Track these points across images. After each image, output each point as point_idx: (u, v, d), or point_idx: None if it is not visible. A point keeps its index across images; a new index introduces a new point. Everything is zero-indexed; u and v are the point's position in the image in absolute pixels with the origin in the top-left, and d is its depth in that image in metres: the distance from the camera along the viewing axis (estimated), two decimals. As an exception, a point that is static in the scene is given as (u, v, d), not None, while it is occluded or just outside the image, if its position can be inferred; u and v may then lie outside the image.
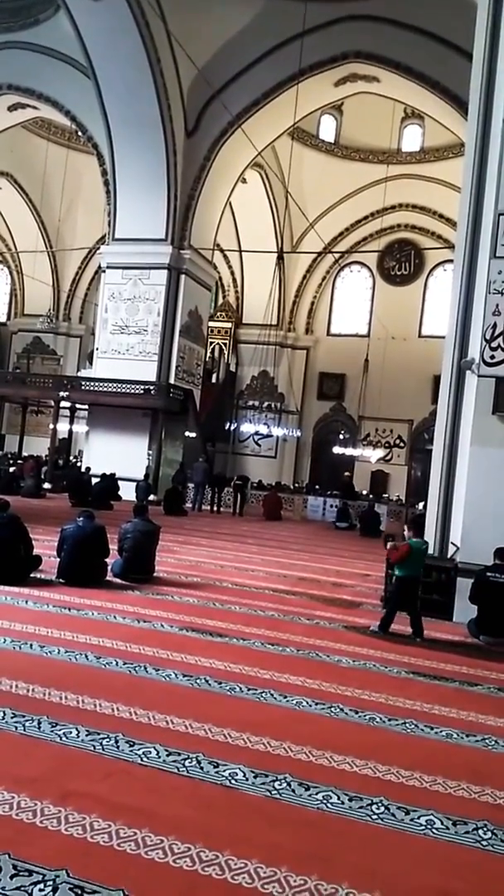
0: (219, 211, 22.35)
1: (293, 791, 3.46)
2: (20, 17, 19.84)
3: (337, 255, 27.37)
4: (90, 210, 26.60)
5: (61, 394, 21.65)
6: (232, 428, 26.27)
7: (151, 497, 18.32)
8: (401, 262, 28.42)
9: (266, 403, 27.48)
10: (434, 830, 3.21)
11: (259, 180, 24.96)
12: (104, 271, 21.61)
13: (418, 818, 3.31)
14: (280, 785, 3.50)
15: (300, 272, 28.50)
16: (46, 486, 19.21)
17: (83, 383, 21.63)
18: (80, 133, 22.20)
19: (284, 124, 21.13)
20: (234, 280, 29.04)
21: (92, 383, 21.17)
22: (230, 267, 28.55)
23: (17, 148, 25.76)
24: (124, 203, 20.59)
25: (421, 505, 17.30)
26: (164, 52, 18.21)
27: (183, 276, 21.08)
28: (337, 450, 27.45)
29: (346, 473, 20.83)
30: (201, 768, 3.60)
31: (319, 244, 26.22)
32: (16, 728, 3.84)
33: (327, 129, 25.91)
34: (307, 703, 4.74)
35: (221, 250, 25.31)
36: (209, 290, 23.92)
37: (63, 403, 22.55)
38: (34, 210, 28.00)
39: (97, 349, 21.96)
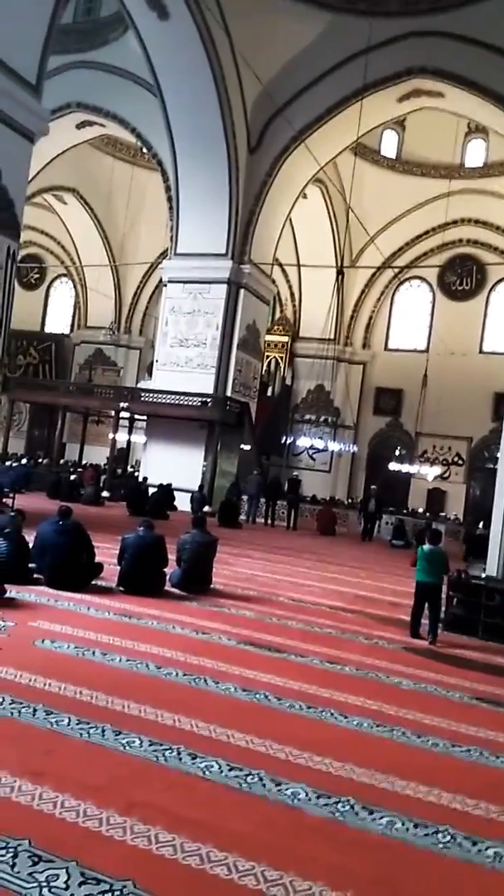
0: (279, 226, 22.49)
1: (357, 814, 3.40)
2: (91, 38, 20.46)
3: (396, 270, 27.18)
4: (152, 225, 27.13)
5: (121, 404, 22.02)
6: (287, 442, 26.23)
7: (206, 508, 18.42)
8: (462, 277, 28.05)
9: (323, 418, 27.39)
10: (502, 863, 3.11)
11: (319, 196, 25.02)
12: (165, 285, 21.95)
13: (486, 849, 3.21)
14: (343, 807, 3.45)
15: (359, 287, 28.41)
16: (105, 494, 19.50)
17: (143, 395, 21.97)
18: (144, 150, 22.70)
19: (347, 140, 21.19)
20: (292, 294, 29.13)
21: (151, 395, 21.48)
22: (288, 281, 28.66)
23: (83, 165, 26.47)
24: (186, 218, 20.92)
25: (481, 524, 16.90)
26: (229, 69, 18.49)
27: (242, 291, 21.24)
28: (393, 466, 27.11)
29: (373, 487, 20.78)
30: (263, 785, 3.57)
31: (379, 259, 26.12)
32: (80, 735, 3.88)
33: (389, 145, 25.85)
34: (368, 724, 4.66)
35: (280, 265, 25.43)
36: (267, 304, 24.04)
37: (123, 414, 22.93)
38: (99, 225, 28.70)
39: (157, 361, 22.28)
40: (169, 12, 17.19)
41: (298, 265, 26.50)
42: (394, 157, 25.81)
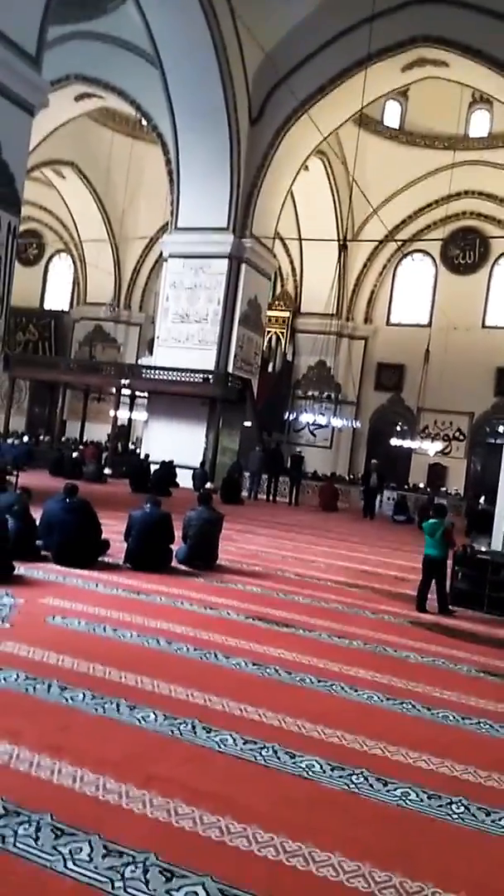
0: (281, 199, 22.25)
1: (371, 786, 3.44)
2: (88, 7, 19.97)
3: (399, 244, 26.93)
4: (152, 199, 26.83)
5: (122, 381, 21.95)
6: (288, 418, 26.19)
7: (208, 485, 18.44)
8: (465, 251, 27.83)
9: (325, 394, 27.33)
10: (517, 834, 3.15)
11: (321, 168, 24.70)
12: (166, 260, 21.77)
13: (500, 819, 3.26)
14: (358, 779, 3.49)
15: (361, 260, 28.17)
16: (107, 471, 19.52)
17: (144, 371, 21.89)
18: (144, 122, 22.36)
19: (350, 110, 20.86)
20: (293, 269, 28.90)
21: (152, 371, 21.40)
22: (289, 255, 28.41)
23: (81, 138, 26.09)
24: (187, 192, 20.68)
25: (482, 499, 16.94)
26: (230, 39, 18.15)
27: (243, 265, 21.07)
28: (394, 441, 27.13)
29: (374, 462, 20.62)
30: (278, 758, 3.61)
31: (381, 232, 25.84)
32: (95, 710, 3.92)
33: (392, 115, 25.48)
34: (378, 697, 4.70)
35: (281, 239, 25.18)
36: (269, 278, 23.86)
37: (124, 391, 22.87)
38: (98, 200, 28.38)
39: (158, 337, 22.18)
40: (168, -21, 16.84)
41: (300, 239, 26.25)
42: (397, 128, 25.46)
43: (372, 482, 18.66)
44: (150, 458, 19.58)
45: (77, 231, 29.95)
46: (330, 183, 25.37)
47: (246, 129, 19.88)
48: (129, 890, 2.45)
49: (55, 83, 18.57)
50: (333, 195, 25.66)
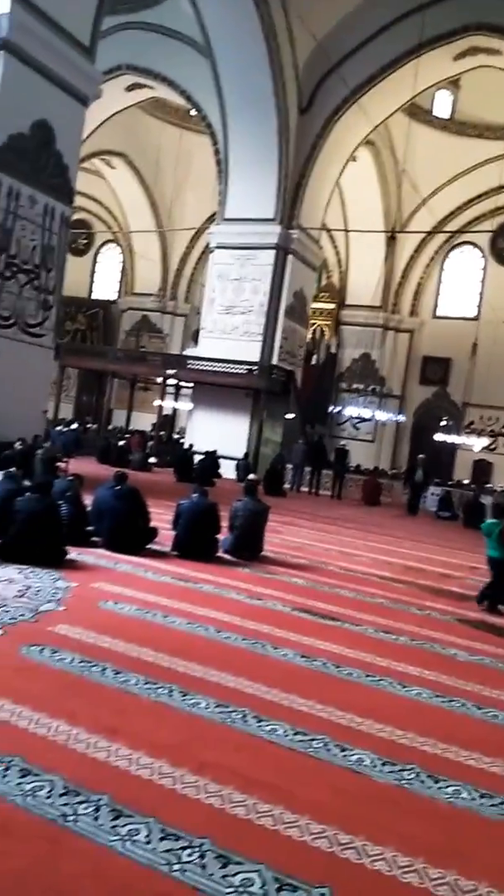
0: (328, 190, 22.09)
1: (422, 782, 3.43)
2: (142, -2, 20.09)
3: (447, 235, 26.49)
4: (200, 190, 26.89)
5: (168, 371, 22.12)
6: (334, 411, 26.07)
7: (251, 476, 18.47)
8: (515, 243, 27.22)
9: (371, 387, 27.13)
10: None
11: (369, 158, 24.41)
12: (212, 251, 21.82)
13: None
14: (409, 775, 3.48)
15: (407, 252, 27.82)
16: (152, 460, 19.73)
17: (189, 362, 22.02)
18: (194, 112, 22.39)
19: (400, 100, 20.59)
20: (339, 260, 28.68)
21: (197, 362, 21.51)
22: (335, 247, 28.20)
23: (132, 129, 26.28)
24: (235, 182, 20.67)
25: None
26: (281, 28, 18.07)
27: (290, 257, 21.00)
28: (438, 436, 26.79)
29: (420, 456, 19.88)
30: (328, 751, 3.62)
31: (429, 224, 25.47)
32: (148, 695, 3.98)
33: (443, 105, 25.00)
34: (427, 694, 4.67)
35: (328, 230, 25.00)
36: (315, 270, 23.73)
37: (169, 381, 23.04)
38: (146, 190, 28.57)
39: (203, 328, 22.27)
40: (221, -31, 16.80)
41: (346, 230, 26.02)
42: (447, 118, 24.96)
43: (417, 477, 18.31)
44: (194, 448, 19.73)
45: (126, 221, 30.19)
46: (378, 173, 25.06)
47: (295, 118, 19.77)
48: (187, 874, 2.49)
49: (107, 73, 18.72)
50: (381, 186, 25.35)
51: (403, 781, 3.42)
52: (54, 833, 2.62)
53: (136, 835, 2.66)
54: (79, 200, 28.79)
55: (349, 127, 20.41)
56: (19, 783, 2.89)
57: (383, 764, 3.56)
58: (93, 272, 34.59)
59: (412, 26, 17.64)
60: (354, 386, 28.37)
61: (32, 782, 2.91)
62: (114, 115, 24.27)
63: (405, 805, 3.23)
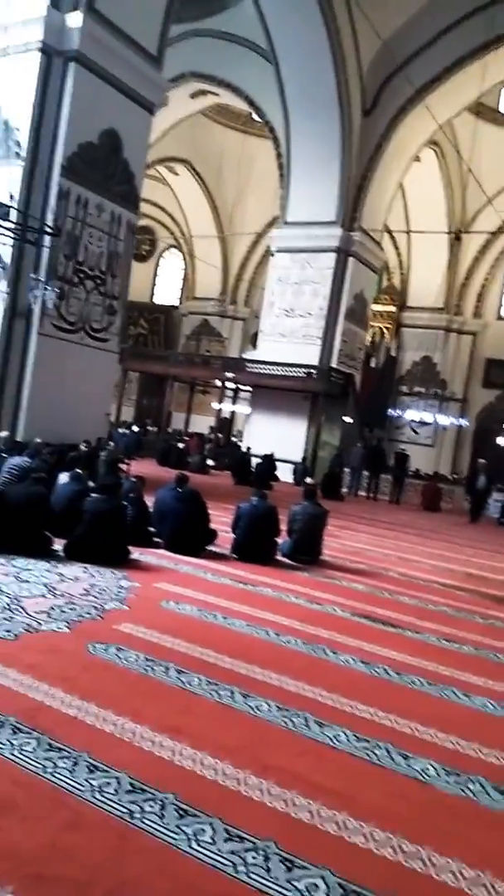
0: (391, 191, 21.89)
1: (488, 794, 3.36)
2: (207, 5, 20.32)
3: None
4: (261, 194, 27.00)
5: (227, 375, 22.28)
6: (393, 414, 25.77)
7: (308, 480, 18.44)
8: None
9: (432, 391, 26.72)
10: None
11: (433, 158, 24.08)
12: (273, 255, 21.88)
13: None
14: (474, 786, 3.41)
15: (471, 253, 27.31)
16: (210, 463, 19.90)
17: (248, 365, 22.13)
18: (256, 117, 22.51)
19: (466, 99, 20.27)
20: (401, 262, 28.35)
21: (256, 365, 21.60)
22: (397, 248, 27.90)
23: (195, 135, 26.59)
24: (297, 186, 20.70)
25: None
26: (345, 30, 18.03)
27: (351, 259, 20.89)
28: (502, 440, 26.15)
29: (481, 461, 18.97)
30: (392, 758, 3.59)
31: (494, 223, 24.91)
32: (211, 695, 4.02)
33: (510, 103, 24.44)
34: (492, 705, 4.57)
35: (389, 231, 24.75)
36: (376, 272, 23.53)
37: (227, 384, 23.21)
38: (209, 195, 28.85)
39: (262, 331, 22.35)
40: (286, -27, 16.87)
41: (408, 231, 25.71)
42: (515, 116, 24.40)
43: (480, 484, 17.74)
44: (252, 451, 19.80)
45: (188, 227, 30.56)
46: (442, 173, 24.69)
47: (358, 120, 19.67)
48: (252, 875, 2.50)
49: (172, 81, 18.99)
50: (445, 186, 24.96)
51: (469, 792, 3.36)
52: (122, 829, 2.67)
53: (202, 834, 2.69)
54: (142, 207, 29.39)
55: (413, 127, 20.18)
56: (87, 778, 2.97)
57: (448, 773, 3.50)
58: (155, 277, 35.13)
59: (479, 24, 17.36)
60: (415, 389, 27.99)
61: (100, 778, 2.98)
62: (178, 122, 24.61)
63: (470, 816, 3.17)
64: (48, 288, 10.33)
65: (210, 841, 2.66)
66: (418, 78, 18.83)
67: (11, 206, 9.77)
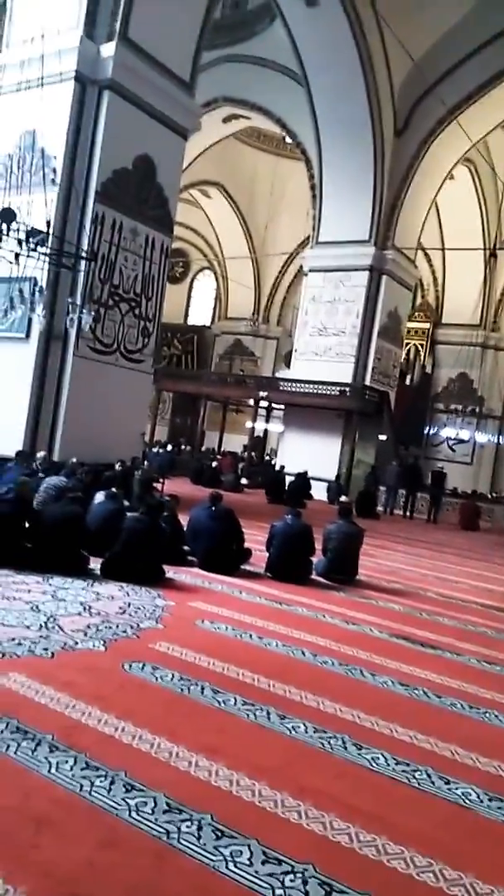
0: (425, 209, 21.84)
1: (533, 822, 3.27)
2: (238, 32, 20.69)
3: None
4: (293, 214, 27.17)
5: (261, 393, 22.34)
6: (429, 432, 25.51)
7: (343, 498, 18.32)
8: None
9: (469, 408, 26.43)
10: None
11: (467, 176, 24.02)
12: (306, 275, 21.96)
13: None
14: (518, 813, 3.32)
15: (507, 269, 27.04)
16: (244, 481, 19.91)
17: (281, 384, 22.16)
18: (289, 140, 22.75)
19: (499, 117, 20.19)
20: (435, 279, 28.20)
21: (289, 384, 21.62)
22: (431, 265, 27.76)
23: (228, 158, 26.92)
24: (329, 206, 20.79)
25: None
26: (377, 51, 18.12)
27: (384, 277, 20.84)
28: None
29: None
30: (432, 783, 3.51)
31: (531, 240, 24.68)
32: (247, 716, 3.99)
33: (545, 118, 24.29)
34: (535, 729, 4.46)
35: (423, 249, 24.68)
36: (410, 290, 23.45)
37: (261, 403, 23.26)
38: (241, 218, 29.15)
39: (296, 350, 22.39)
40: (317, -1, 17.10)
41: (443, 248, 25.62)
42: (549, 132, 24.22)
43: None
44: (286, 470, 19.76)
45: (220, 249, 30.88)
46: (476, 190, 24.60)
47: (391, 140, 19.72)
48: (290, 899, 2.47)
49: (205, 106, 19.31)
50: (480, 203, 24.86)
51: (513, 820, 3.26)
52: (159, 849, 2.65)
53: (239, 856, 2.66)
54: (176, 230, 29.83)
55: (446, 146, 20.17)
56: (124, 797, 2.96)
57: (490, 799, 3.41)
58: (188, 298, 35.49)
59: (512, 42, 17.35)
60: (451, 406, 27.68)
61: (136, 797, 2.97)
62: (211, 146, 24.98)
63: (515, 845, 3.08)
64: (84, 311, 10.51)
65: (247, 863, 2.63)
66: (450, 97, 18.84)
67: (48, 232, 9.98)
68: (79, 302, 11.05)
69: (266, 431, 27.75)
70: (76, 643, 4.81)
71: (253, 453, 25.77)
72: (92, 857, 2.56)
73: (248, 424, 25.17)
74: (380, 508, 18.72)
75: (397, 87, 19.10)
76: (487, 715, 4.59)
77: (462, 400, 27.57)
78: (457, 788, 3.48)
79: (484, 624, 7.30)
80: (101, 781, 3.05)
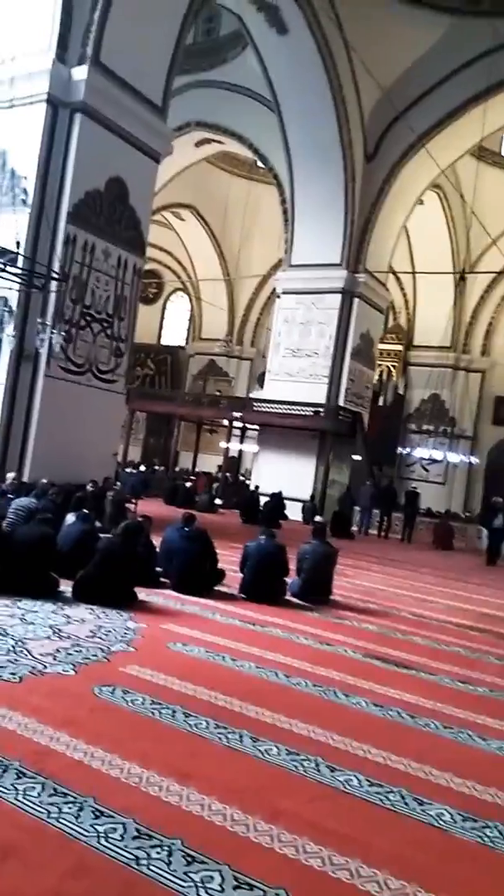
0: (395, 233, 22.21)
1: (507, 841, 3.25)
2: (210, 57, 21.03)
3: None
4: (266, 237, 27.50)
5: (235, 414, 22.37)
6: (403, 452, 25.72)
7: (318, 518, 18.34)
8: None
9: (441, 428, 26.71)
10: None
11: (436, 201, 24.53)
12: (279, 297, 22.16)
13: None
14: (492, 833, 3.30)
15: (477, 292, 27.56)
16: (218, 501, 19.85)
17: (255, 405, 22.23)
18: (261, 164, 23.05)
19: (467, 144, 20.69)
20: (406, 302, 28.65)
21: (263, 405, 21.70)
22: (402, 289, 28.22)
23: (200, 182, 27.22)
24: (301, 230, 21.05)
25: None
26: (346, 79, 18.50)
27: (356, 300, 21.12)
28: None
29: (497, 499, 17.43)
30: (406, 804, 3.48)
31: (499, 263, 25.15)
32: (220, 739, 3.93)
33: (510, 146, 24.98)
34: (509, 747, 4.45)
35: (394, 272, 25.06)
36: (382, 312, 23.75)
37: (235, 423, 23.29)
38: (214, 240, 29.41)
39: (269, 371, 22.50)
40: (287, 27, 17.43)
41: (413, 272, 26.04)
42: (516, 159, 24.90)
43: (497, 523, 16.28)
44: (260, 490, 19.75)
45: (194, 270, 31.07)
46: (446, 215, 25.11)
47: (361, 165, 20.08)
48: (262, 926, 2.42)
49: (177, 130, 19.53)
50: (449, 227, 25.38)
51: (486, 839, 3.24)
52: (127, 877, 2.59)
53: (210, 881, 2.60)
54: (149, 251, 29.93)
55: (415, 172, 20.59)
56: (93, 824, 2.89)
57: (464, 819, 3.39)
58: (162, 319, 35.59)
59: (479, 71, 17.80)
60: (424, 427, 27.98)
61: (105, 824, 2.90)
62: (184, 169, 25.22)
63: (488, 863, 3.06)
64: (55, 332, 10.46)
65: (218, 889, 2.57)
66: (419, 124, 19.27)
67: (18, 252, 9.94)
68: (49, 322, 11.00)
69: (241, 452, 27.76)
70: (45, 667, 4.71)
71: (227, 474, 25.73)
72: (59, 887, 2.48)
73: (223, 445, 25.17)
74: (354, 528, 18.76)
75: (367, 113, 19.50)
76: (461, 735, 4.58)
77: (434, 420, 27.88)
78: (430, 809, 3.45)
79: (458, 643, 7.31)
80: (69, 808, 2.98)
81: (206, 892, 2.54)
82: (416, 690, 5.36)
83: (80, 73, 11.62)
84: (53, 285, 11.09)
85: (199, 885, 2.58)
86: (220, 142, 23.72)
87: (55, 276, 10.91)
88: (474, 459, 27.22)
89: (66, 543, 7.43)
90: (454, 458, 26.16)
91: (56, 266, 11.37)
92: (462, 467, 27.56)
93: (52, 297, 11.48)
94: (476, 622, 8.68)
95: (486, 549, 16.75)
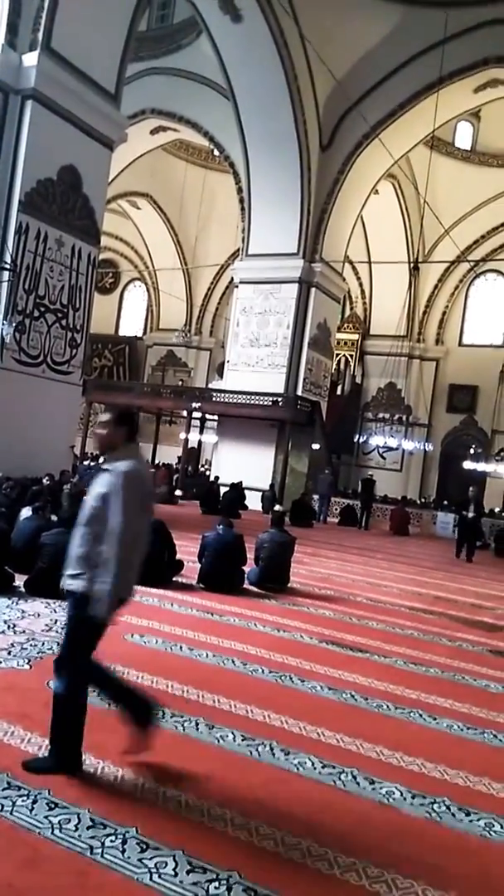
0: (351, 223, 22.36)
1: (453, 815, 3.37)
2: (164, 44, 20.82)
3: (472, 264, 26.59)
4: (223, 227, 27.40)
5: (194, 405, 22.33)
6: (360, 440, 26.01)
7: (277, 507, 18.46)
8: (540, 270, 27.18)
9: (397, 416, 27.08)
10: None
11: (391, 191, 24.75)
12: (237, 286, 22.14)
13: None
14: (439, 808, 3.42)
15: (431, 282, 27.94)
16: (178, 493, 19.82)
17: (214, 395, 22.22)
18: (217, 153, 22.93)
19: (421, 133, 20.88)
20: (363, 291, 28.90)
21: (222, 395, 21.70)
22: (358, 278, 28.45)
23: (156, 170, 26.97)
24: (258, 219, 21.04)
25: None
26: (301, 68, 18.50)
27: (313, 290, 21.22)
28: (468, 465, 26.54)
29: (473, 488, 16.47)
30: (357, 783, 3.58)
31: (453, 253, 25.57)
32: (175, 728, 3.98)
33: (463, 136, 25.34)
34: (458, 727, 4.59)
35: (350, 262, 25.25)
36: (338, 302, 23.93)
37: (195, 414, 23.25)
38: (171, 229, 29.19)
39: (228, 361, 22.51)
40: (242, 15, 17.35)
41: (369, 262, 26.28)
42: (469, 149, 25.27)
43: (471, 517, 14.90)
44: (220, 480, 19.79)
45: (151, 259, 30.80)
46: (400, 205, 25.38)
47: (316, 155, 20.13)
48: (214, 907, 2.47)
49: (132, 118, 19.30)
50: (404, 217, 25.66)
51: (434, 814, 3.36)
52: (82, 866, 2.62)
53: (164, 867, 2.65)
54: (105, 241, 29.56)
55: (370, 161, 20.73)
56: (47, 816, 2.91)
57: (413, 797, 3.50)
58: (119, 309, 35.24)
59: (431, 61, 17.97)
60: (380, 415, 28.33)
61: (59, 815, 2.92)
62: (139, 157, 24.95)
63: (435, 838, 3.17)
64: (6, 322, 10.30)
65: (172, 874, 2.62)
66: (373, 114, 19.39)
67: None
68: (0, 313, 10.82)
69: (200, 443, 27.72)
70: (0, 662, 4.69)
71: (188, 465, 25.69)
72: (12, 879, 2.50)
73: (182, 436, 25.09)
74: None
75: (322, 102, 19.54)
76: (412, 714, 4.71)
77: (391, 409, 28.26)
78: (381, 788, 3.55)
79: (411, 626, 7.48)
80: (22, 801, 2.99)
81: (160, 877, 2.59)
82: (370, 673, 5.48)
83: (30, 59, 11.41)
84: (5, 275, 10.91)
85: (154, 870, 2.63)
86: (175, 130, 23.52)
87: (6, 266, 10.73)
88: (429, 446, 27.68)
89: (20, 539, 7.37)
90: (410, 445, 26.58)
91: (7, 256, 11.17)
92: (417, 454, 28.02)
93: (4, 287, 11.29)
94: (430, 606, 8.88)
95: (456, 543, 15.21)
